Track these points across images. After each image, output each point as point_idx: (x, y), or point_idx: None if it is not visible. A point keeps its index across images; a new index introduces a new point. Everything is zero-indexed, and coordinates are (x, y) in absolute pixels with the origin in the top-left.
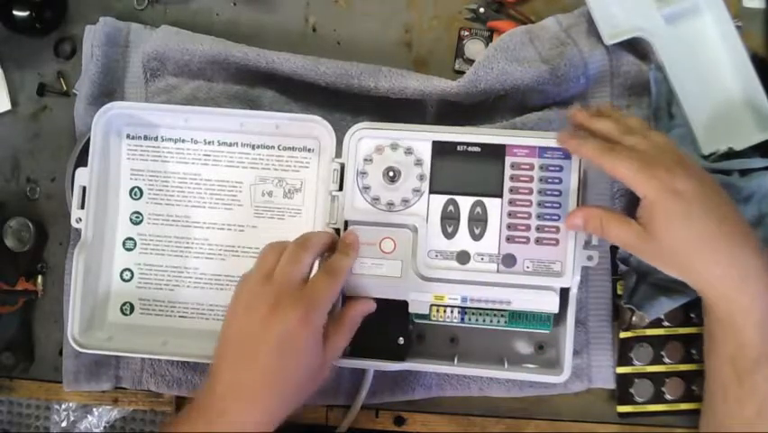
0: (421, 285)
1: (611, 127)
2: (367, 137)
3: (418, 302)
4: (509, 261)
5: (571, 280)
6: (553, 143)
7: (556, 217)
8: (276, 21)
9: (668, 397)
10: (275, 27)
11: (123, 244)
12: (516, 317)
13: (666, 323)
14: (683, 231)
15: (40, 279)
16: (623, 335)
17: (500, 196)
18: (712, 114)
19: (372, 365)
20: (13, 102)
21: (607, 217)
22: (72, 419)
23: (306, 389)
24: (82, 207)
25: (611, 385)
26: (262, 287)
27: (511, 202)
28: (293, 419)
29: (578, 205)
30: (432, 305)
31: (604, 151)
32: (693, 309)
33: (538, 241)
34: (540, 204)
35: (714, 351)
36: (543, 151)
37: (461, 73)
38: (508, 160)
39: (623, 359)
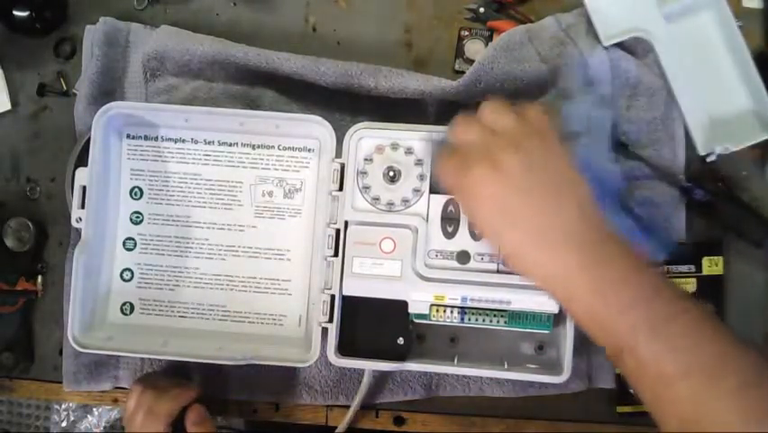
0: (421, 285)
1: (488, 107)
2: (367, 137)
3: (418, 302)
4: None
5: None
6: None
7: None
8: (276, 21)
9: None
10: (275, 27)
11: (124, 243)
12: (516, 317)
13: None
14: (492, 228)
15: (40, 279)
16: None
17: None
18: (712, 113)
19: (372, 365)
20: (13, 102)
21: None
22: (72, 418)
23: None
24: (82, 207)
25: (611, 385)
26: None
27: None
28: (292, 420)
29: None
30: (432, 305)
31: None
32: None
33: None
34: None
35: None
36: None
37: (461, 73)
38: None
39: None
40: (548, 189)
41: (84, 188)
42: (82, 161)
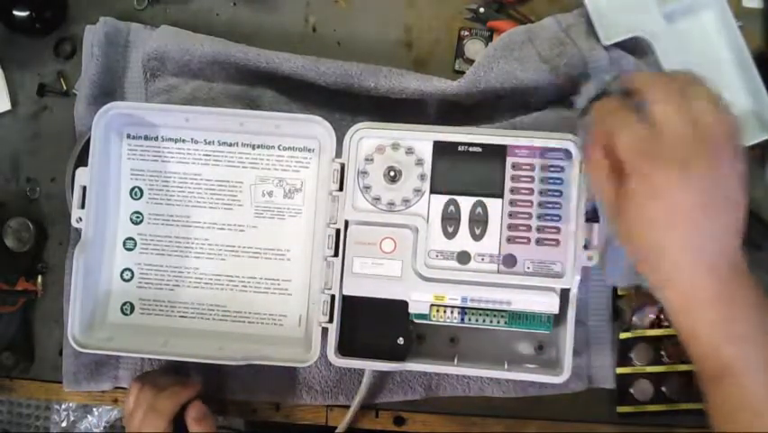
0: (421, 285)
1: (645, 79)
2: (367, 137)
3: (418, 302)
4: (510, 261)
5: (572, 281)
6: (553, 144)
7: (557, 218)
8: (276, 21)
9: (668, 397)
10: (275, 27)
11: (124, 243)
12: (517, 317)
13: (666, 323)
14: (655, 229)
15: (40, 279)
16: (623, 335)
17: (501, 196)
18: None
19: (372, 365)
20: (13, 102)
21: (590, 165)
22: (72, 419)
23: None
24: (82, 207)
25: (611, 385)
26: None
27: (512, 202)
28: (292, 420)
29: (578, 206)
30: (432, 305)
31: (610, 109)
32: None
33: (539, 241)
34: (541, 204)
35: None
36: (544, 151)
37: (462, 73)
38: (509, 160)
39: (623, 359)
40: (724, 210)
41: (84, 188)
42: (82, 161)
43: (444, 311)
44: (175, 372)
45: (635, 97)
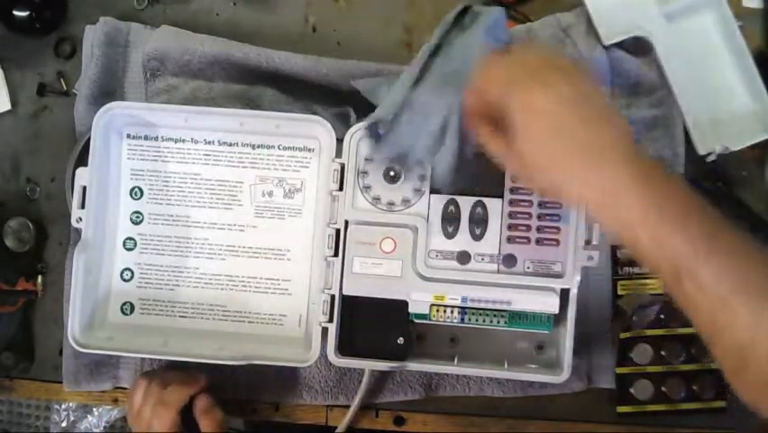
0: (421, 285)
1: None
2: (368, 137)
3: (418, 302)
4: (510, 261)
5: (572, 281)
6: None
7: (556, 218)
8: (276, 21)
9: (668, 397)
10: (275, 27)
11: (124, 243)
12: (517, 317)
13: (666, 323)
14: (544, 149)
15: (40, 279)
16: (623, 335)
17: (501, 196)
18: (712, 112)
19: (372, 365)
20: (13, 102)
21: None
22: (72, 419)
23: None
24: (82, 207)
25: (611, 385)
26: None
27: (512, 202)
28: (292, 420)
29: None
30: (432, 305)
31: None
32: None
33: (539, 241)
34: (540, 204)
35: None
36: None
37: None
38: None
39: (623, 359)
40: (599, 111)
41: (84, 188)
42: (82, 161)
43: (444, 311)
44: (178, 368)
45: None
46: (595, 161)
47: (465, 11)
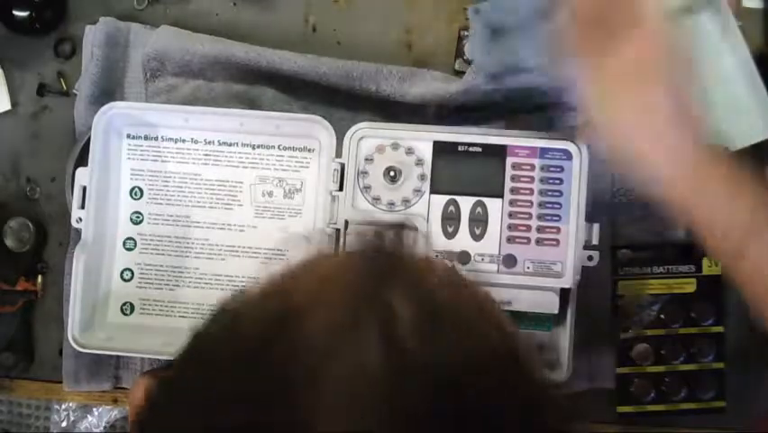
0: None
1: None
2: (367, 137)
3: None
4: (510, 261)
5: (572, 281)
6: (553, 144)
7: (557, 218)
8: (276, 21)
9: (668, 397)
10: (275, 27)
11: (124, 243)
12: (516, 317)
13: (666, 323)
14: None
15: (40, 279)
16: (623, 335)
17: (501, 196)
18: (712, 113)
19: None
20: (13, 102)
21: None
22: (72, 419)
23: None
24: (82, 207)
25: (611, 385)
26: None
27: (512, 202)
28: None
29: (578, 206)
30: None
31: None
32: (694, 309)
33: (539, 241)
34: (541, 204)
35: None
36: (543, 151)
37: (462, 73)
38: (509, 160)
39: (623, 359)
40: (689, 116)
41: (84, 188)
42: (82, 161)
43: None
44: None
45: None
46: (680, 125)
47: None
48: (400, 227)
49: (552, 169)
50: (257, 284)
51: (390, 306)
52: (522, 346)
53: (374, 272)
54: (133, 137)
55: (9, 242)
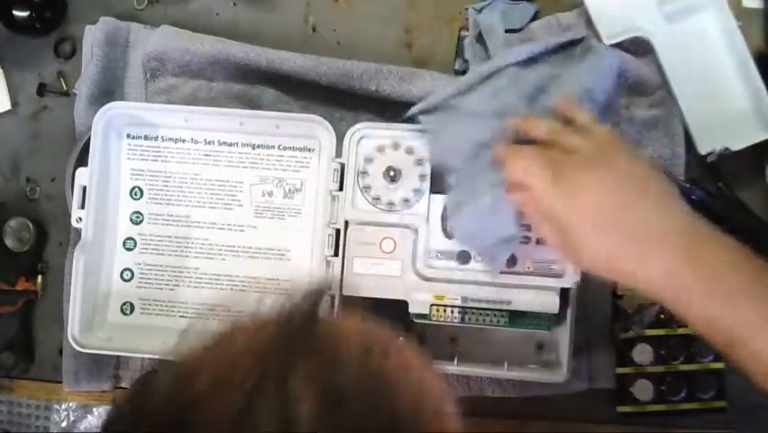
0: (421, 285)
1: (551, 129)
2: (367, 137)
3: (418, 302)
4: (510, 261)
5: (572, 281)
6: None
7: None
8: (276, 21)
9: (668, 397)
10: (275, 27)
11: (124, 243)
12: (517, 317)
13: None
14: (607, 237)
15: (40, 279)
16: (623, 335)
17: None
18: (712, 113)
19: None
20: (13, 102)
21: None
22: (72, 419)
23: None
24: (82, 207)
25: (611, 385)
26: None
27: None
28: None
29: None
30: (432, 305)
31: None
32: None
33: (539, 241)
34: None
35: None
36: None
37: (462, 73)
38: None
39: (623, 359)
40: (646, 194)
41: (84, 188)
42: (82, 161)
43: (444, 311)
44: None
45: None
46: (651, 245)
47: (578, 41)
48: (318, 294)
49: None
50: (173, 360)
51: (292, 390)
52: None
53: (280, 353)
54: (133, 137)
55: (9, 242)
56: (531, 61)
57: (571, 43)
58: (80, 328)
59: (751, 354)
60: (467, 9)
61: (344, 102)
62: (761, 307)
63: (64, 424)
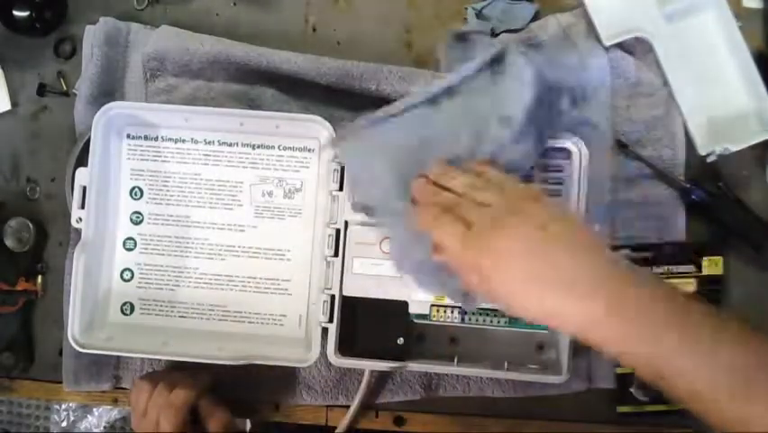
0: None
1: (465, 183)
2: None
3: (418, 302)
4: None
5: None
6: (553, 144)
7: None
8: (276, 21)
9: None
10: (275, 27)
11: (124, 243)
12: (517, 317)
13: None
14: (518, 291)
15: (40, 279)
16: None
17: None
18: (712, 113)
19: (372, 365)
20: (13, 102)
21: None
22: (72, 419)
23: None
24: (82, 207)
25: (611, 385)
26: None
27: None
28: (292, 420)
29: (578, 205)
30: (432, 305)
31: (433, 217)
32: None
33: None
34: None
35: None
36: (543, 151)
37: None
38: None
39: None
40: (563, 243)
41: (84, 188)
42: (82, 161)
43: (444, 311)
44: (182, 368)
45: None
46: (572, 296)
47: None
48: None
49: (552, 169)
50: None
51: None
52: None
53: None
54: (133, 137)
55: (9, 242)
56: (452, 91)
57: (496, 60)
58: (80, 328)
59: (683, 387)
60: (467, 9)
61: (344, 102)
62: (684, 339)
63: (64, 424)
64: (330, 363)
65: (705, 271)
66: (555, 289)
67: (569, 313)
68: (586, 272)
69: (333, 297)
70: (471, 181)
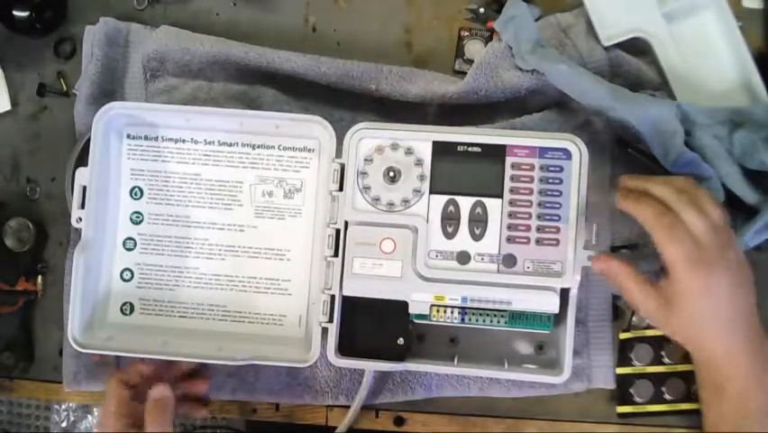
0: (421, 285)
1: (670, 194)
2: (367, 137)
3: (418, 302)
4: (510, 261)
5: (572, 281)
6: (553, 144)
7: (556, 218)
8: (276, 21)
9: (668, 397)
10: (275, 27)
11: (124, 243)
12: (517, 317)
13: None
14: (705, 320)
15: (40, 279)
16: (623, 335)
17: (501, 196)
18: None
19: (372, 365)
20: (13, 102)
21: (626, 278)
22: (72, 419)
23: None
24: (82, 207)
25: (611, 385)
26: None
27: (511, 202)
28: (292, 420)
29: (578, 206)
30: (432, 305)
31: (661, 220)
32: None
33: (538, 241)
34: (540, 204)
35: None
36: (543, 151)
37: (462, 73)
38: (509, 160)
39: (623, 359)
40: (745, 293)
41: (84, 188)
42: (82, 161)
43: (444, 311)
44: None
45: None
46: (725, 330)
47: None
48: None
49: (551, 168)
50: None
51: None
52: None
53: None
54: (133, 137)
55: (9, 242)
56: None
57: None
58: (80, 328)
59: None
60: (467, 9)
61: (344, 102)
62: None
63: (64, 424)
64: (330, 364)
65: None
66: (722, 319)
67: (718, 344)
68: (748, 318)
69: (333, 297)
70: (674, 194)
